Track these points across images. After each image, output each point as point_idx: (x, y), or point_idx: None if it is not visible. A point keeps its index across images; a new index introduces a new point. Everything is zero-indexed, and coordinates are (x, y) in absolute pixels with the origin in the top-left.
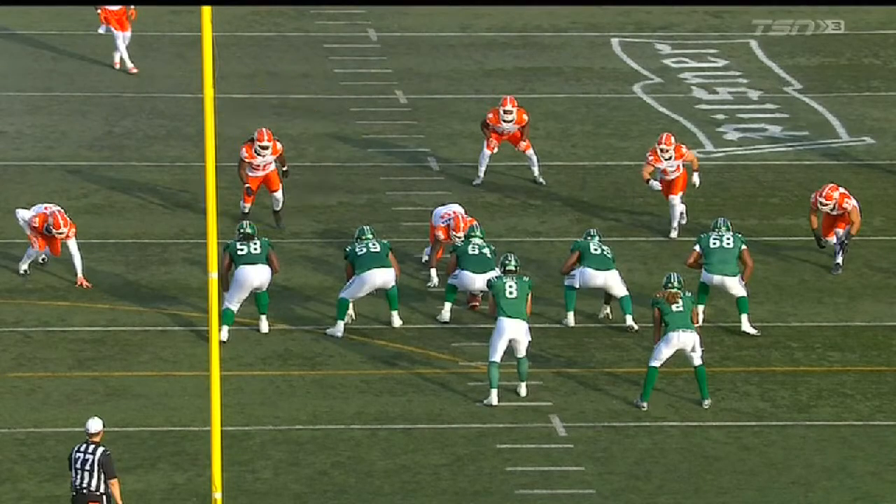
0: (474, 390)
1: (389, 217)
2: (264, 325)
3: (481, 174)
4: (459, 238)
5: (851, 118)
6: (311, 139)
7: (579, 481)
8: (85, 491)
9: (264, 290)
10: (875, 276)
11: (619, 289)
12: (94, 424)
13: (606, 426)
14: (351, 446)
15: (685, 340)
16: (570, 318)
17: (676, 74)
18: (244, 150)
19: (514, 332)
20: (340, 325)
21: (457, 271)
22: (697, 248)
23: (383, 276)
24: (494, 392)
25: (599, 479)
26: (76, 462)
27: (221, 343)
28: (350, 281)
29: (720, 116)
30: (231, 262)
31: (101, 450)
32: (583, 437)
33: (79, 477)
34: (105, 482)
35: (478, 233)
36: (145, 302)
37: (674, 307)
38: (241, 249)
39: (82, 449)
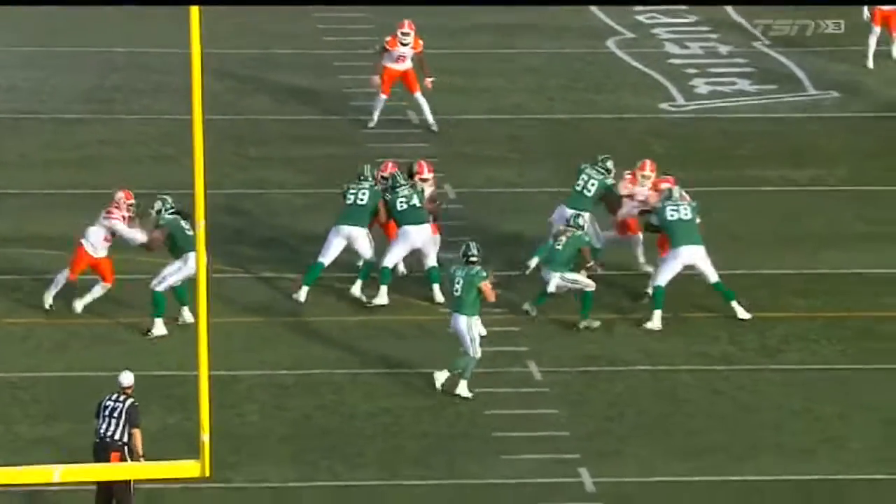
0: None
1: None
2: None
3: (375, 118)
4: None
5: (818, 72)
6: (294, 93)
7: (554, 424)
8: (108, 439)
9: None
10: (839, 225)
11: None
12: (127, 378)
13: (581, 371)
14: (334, 390)
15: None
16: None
17: (649, 30)
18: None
19: (452, 324)
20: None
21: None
22: (655, 219)
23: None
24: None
25: (573, 421)
26: (104, 410)
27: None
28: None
29: (691, 70)
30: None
31: (130, 401)
32: (558, 382)
33: (105, 424)
34: (129, 433)
35: (400, 180)
36: (135, 251)
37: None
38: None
39: (112, 398)
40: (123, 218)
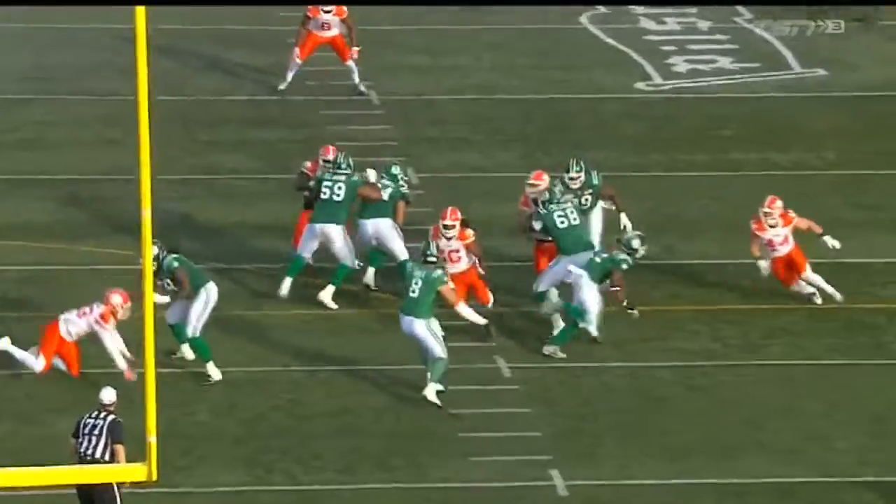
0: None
1: None
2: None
3: (288, 78)
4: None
5: (803, 49)
6: (248, 71)
7: (524, 423)
8: (89, 458)
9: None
10: (827, 211)
11: None
12: (108, 395)
13: (552, 367)
14: (290, 388)
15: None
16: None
17: (624, 5)
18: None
19: (407, 328)
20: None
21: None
22: (535, 223)
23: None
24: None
25: (545, 420)
26: (84, 428)
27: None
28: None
29: (669, 48)
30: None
31: (111, 417)
32: (528, 378)
33: (85, 442)
34: (112, 450)
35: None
36: (78, 240)
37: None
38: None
39: (93, 416)
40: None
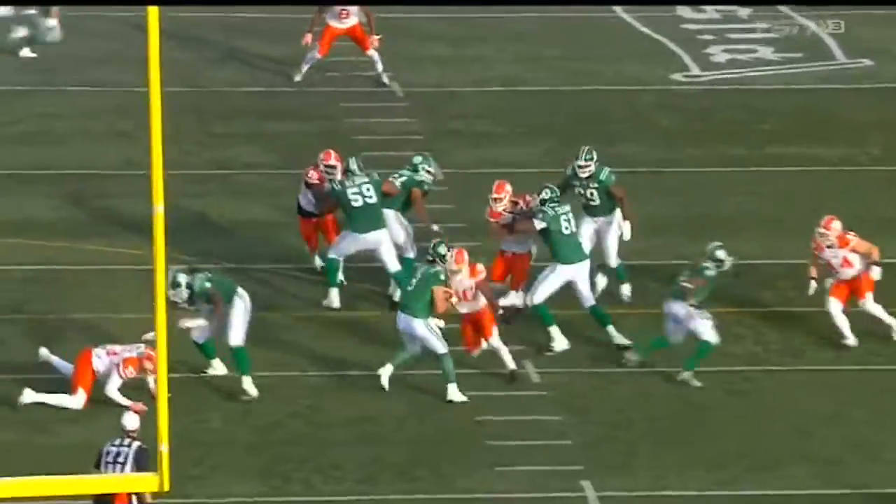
0: (442, 334)
1: (348, 146)
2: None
3: (304, 70)
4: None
5: (848, 39)
6: (264, 62)
7: (554, 431)
8: None
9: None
10: (871, 209)
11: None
12: (131, 421)
13: (584, 372)
14: (308, 394)
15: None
16: None
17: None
18: None
19: (405, 326)
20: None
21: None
22: (537, 223)
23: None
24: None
25: (576, 428)
26: (107, 455)
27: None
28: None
29: (707, 37)
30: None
31: (136, 444)
32: (558, 384)
33: (109, 471)
34: None
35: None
36: (84, 238)
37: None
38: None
39: (116, 443)
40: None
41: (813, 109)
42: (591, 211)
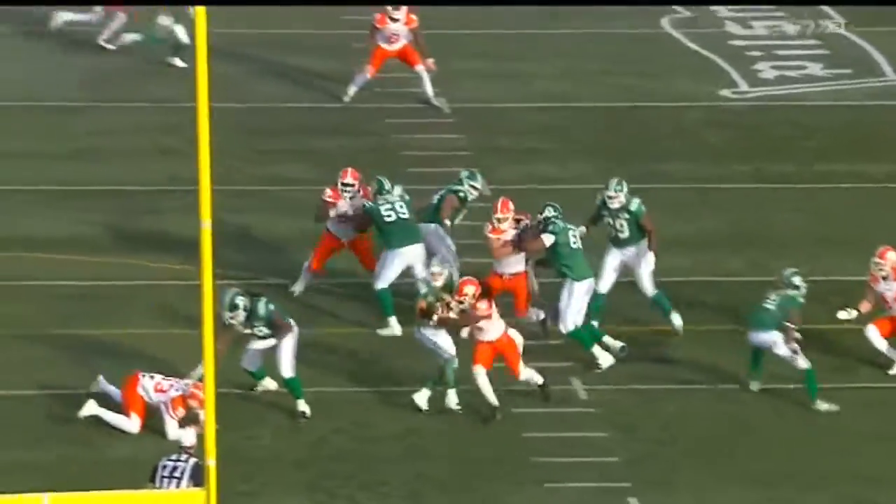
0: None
1: (396, 163)
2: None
3: (352, 91)
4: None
5: None
6: (311, 77)
7: (601, 448)
8: None
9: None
10: None
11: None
12: (188, 437)
13: (631, 389)
14: (354, 409)
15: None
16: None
17: (709, 8)
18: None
19: (417, 336)
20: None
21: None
22: (546, 239)
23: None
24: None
25: (622, 445)
26: (163, 469)
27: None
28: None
29: (755, 53)
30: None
31: (193, 460)
32: (604, 401)
33: (164, 485)
34: None
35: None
36: (132, 254)
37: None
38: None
39: (173, 458)
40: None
41: (861, 126)
42: (619, 242)
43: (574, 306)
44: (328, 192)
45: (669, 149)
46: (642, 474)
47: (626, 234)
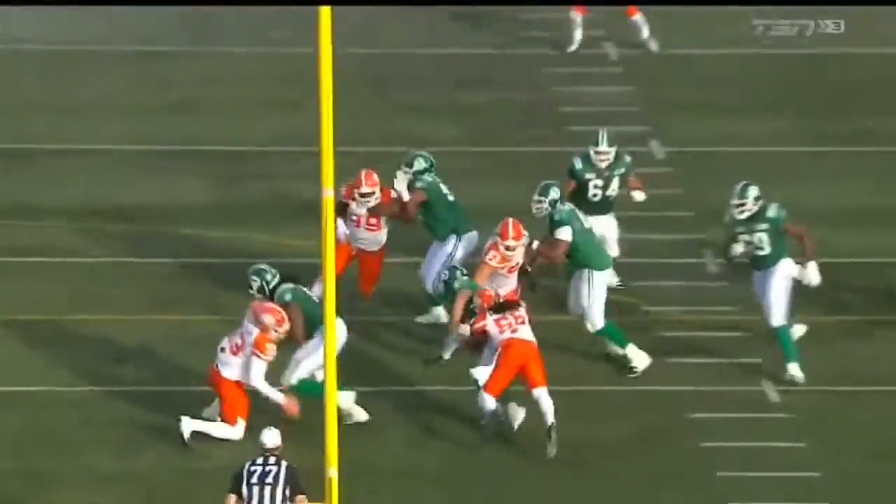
0: (664, 341)
1: (554, 120)
2: None
3: (575, 39)
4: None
5: None
6: (454, 18)
7: (799, 462)
8: None
9: None
10: None
11: None
12: (272, 438)
13: (830, 390)
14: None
15: None
16: None
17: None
18: None
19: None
20: None
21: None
22: (565, 235)
23: None
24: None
25: (824, 457)
26: (252, 476)
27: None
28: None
29: None
30: None
31: (285, 463)
32: (801, 405)
33: (256, 493)
34: (290, 499)
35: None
36: (240, 227)
37: None
38: None
39: (259, 462)
40: None
41: None
42: (758, 263)
43: (599, 300)
44: (342, 191)
45: (883, 102)
46: (851, 492)
47: (766, 250)
